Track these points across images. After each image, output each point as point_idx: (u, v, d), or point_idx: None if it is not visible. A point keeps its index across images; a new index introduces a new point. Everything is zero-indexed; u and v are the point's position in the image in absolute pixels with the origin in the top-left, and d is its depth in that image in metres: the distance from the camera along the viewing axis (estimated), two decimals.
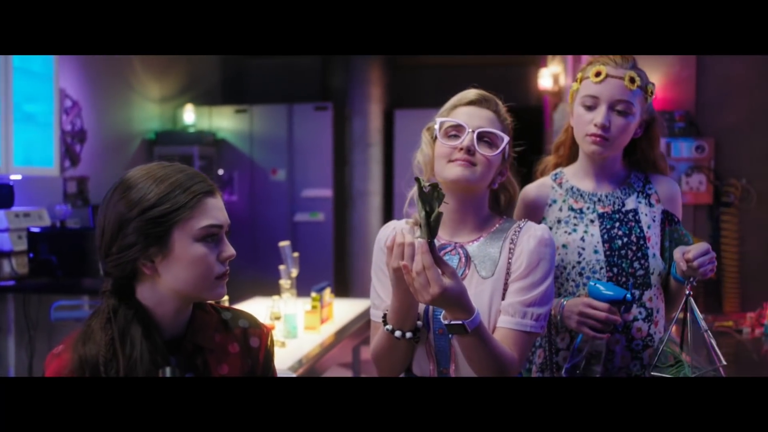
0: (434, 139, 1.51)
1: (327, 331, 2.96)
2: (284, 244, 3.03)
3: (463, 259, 1.48)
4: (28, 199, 4.28)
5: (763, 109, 3.68)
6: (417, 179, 1.27)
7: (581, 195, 1.72)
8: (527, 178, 1.76)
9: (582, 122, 1.66)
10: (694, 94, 3.70)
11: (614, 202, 1.71)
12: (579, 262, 1.67)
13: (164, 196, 1.17)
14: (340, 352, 2.92)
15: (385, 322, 1.44)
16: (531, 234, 1.46)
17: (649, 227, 1.69)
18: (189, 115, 6.36)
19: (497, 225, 1.51)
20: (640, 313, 1.66)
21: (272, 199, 6.47)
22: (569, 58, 4.89)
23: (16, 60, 3.97)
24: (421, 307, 1.44)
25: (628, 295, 1.55)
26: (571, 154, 1.79)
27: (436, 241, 1.31)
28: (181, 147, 5.97)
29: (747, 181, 3.67)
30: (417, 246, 1.26)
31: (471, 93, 1.50)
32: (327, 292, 3.07)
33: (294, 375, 2.30)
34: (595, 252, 1.66)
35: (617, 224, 1.68)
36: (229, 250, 1.23)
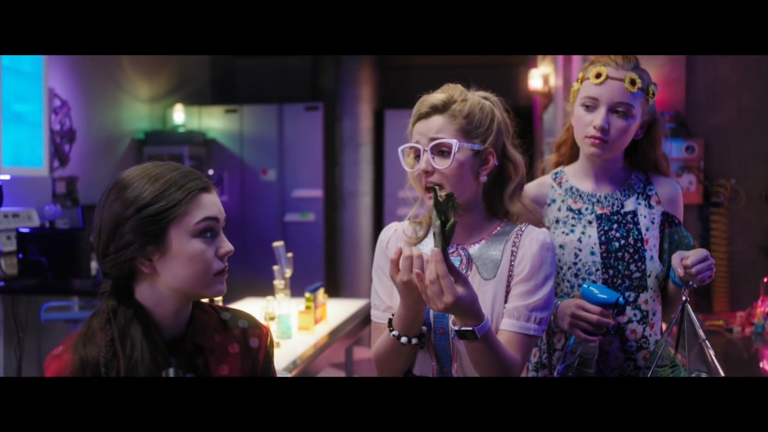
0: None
1: (321, 332, 2.95)
2: (278, 244, 3.02)
3: (465, 261, 1.48)
4: (17, 200, 4.25)
5: (752, 109, 3.71)
6: (433, 188, 1.29)
7: (580, 195, 1.71)
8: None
9: (582, 123, 1.66)
10: (684, 94, 3.72)
11: (613, 204, 1.70)
12: (575, 263, 1.67)
13: (159, 194, 1.18)
14: (332, 352, 2.92)
15: (390, 327, 1.44)
16: (533, 238, 1.46)
17: (647, 229, 1.68)
18: (179, 115, 6.33)
19: (498, 228, 1.51)
20: (635, 315, 1.66)
21: (262, 200, 6.46)
22: (559, 58, 4.90)
23: (5, 59, 3.94)
24: None
25: (621, 299, 1.54)
26: (572, 153, 1.78)
27: None
28: (170, 147, 5.93)
29: (736, 182, 3.69)
30: (431, 254, 1.27)
31: (424, 105, 1.47)
32: (321, 293, 3.06)
33: (290, 376, 2.30)
34: (592, 253, 1.66)
35: (615, 226, 1.68)
36: (227, 246, 1.23)
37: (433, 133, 1.44)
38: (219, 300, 1.99)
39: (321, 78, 6.91)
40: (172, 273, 1.19)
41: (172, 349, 1.22)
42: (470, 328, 1.31)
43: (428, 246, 1.49)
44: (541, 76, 5.85)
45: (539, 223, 1.55)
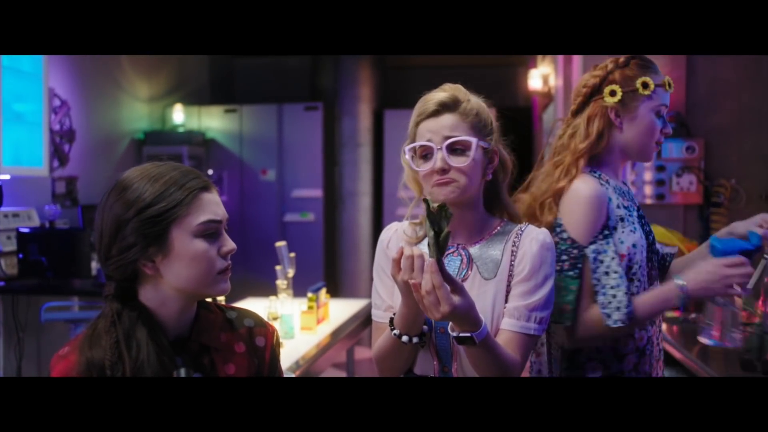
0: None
1: (323, 332, 2.95)
2: (281, 244, 3.02)
3: (465, 260, 1.49)
4: (17, 200, 4.24)
5: (752, 109, 3.71)
6: (425, 200, 1.28)
7: (625, 193, 1.72)
8: (518, 179, 1.71)
9: (655, 130, 1.71)
10: (684, 95, 3.72)
11: (633, 198, 1.75)
12: (642, 260, 1.67)
13: (160, 195, 1.17)
14: (334, 352, 2.92)
15: (392, 326, 1.44)
16: (533, 237, 1.47)
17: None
18: (178, 115, 6.33)
19: (498, 227, 1.51)
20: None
21: (262, 200, 6.45)
22: (560, 58, 4.90)
23: (5, 59, 3.94)
24: None
25: (758, 239, 1.58)
26: (599, 159, 1.74)
27: None
28: (170, 147, 5.93)
29: (736, 182, 3.69)
30: (426, 265, 1.27)
31: (430, 103, 1.46)
32: (323, 293, 3.06)
33: (294, 376, 2.30)
34: (642, 249, 1.68)
35: (644, 219, 1.73)
36: (230, 244, 1.23)
37: (447, 131, 1.44)
38: (222, 300, 1.99)
39: (320, 78, 6.91)
40: (175, 273, 1.19)
41: (178, 349, 1.22)
42: (468, 334, 1.31)
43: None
44: (540, 76, 5.86)
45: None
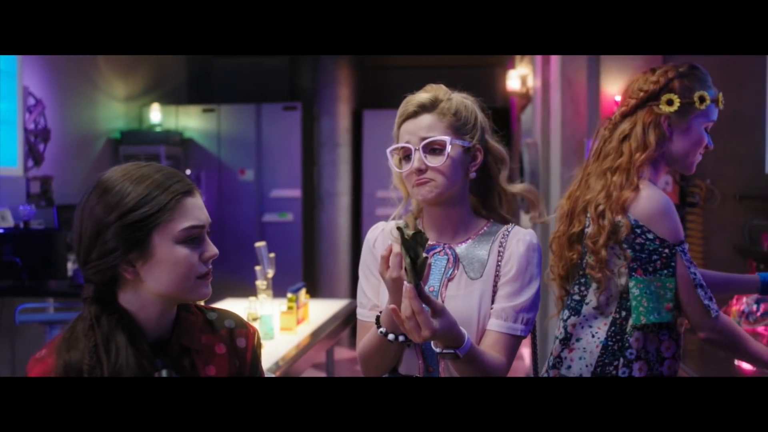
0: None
1: (303, 332, 2.95)
2: (260, 244, 3.01)
3: (452, 260, 1.49)
4: None
5: (725, 111, 3.77)
6: (399, 228, 1.27)
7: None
8: None
9: (702, 145, 1.74)
10: None
11: None
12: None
13: (142, 199, 1.15)
14: (314, 352, 2.91)
15: (378, 325, 1.44)
16: (520, 238, 1.48)
17: None
18: (155, 115, 6.26)
19: (485, 228, 1.52)
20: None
21: (240, 200, 6.42)
22: (538, 59, 4.93)
23: None
24: None
25: None
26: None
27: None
28: (147, 147, 5.87)
29: (711, 182, 3.74)
30: (404, 290, 1.27)
31: (410, 105, 1.48)
32: (303, 293, 3.06)
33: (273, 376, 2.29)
34: None
35: None
36: (212, 250, 1.21)
37: (423, 132, 1.46)
38: (201, 302, 1.97)
39: (299, 78, 6.89)
40: (156, 278, 1.17)
41: (158, 351, 1.20)
42: (452, 351, 1.32)
43: None
44: (519, 77, 5.89)
45: (539, 201, 1.56)
